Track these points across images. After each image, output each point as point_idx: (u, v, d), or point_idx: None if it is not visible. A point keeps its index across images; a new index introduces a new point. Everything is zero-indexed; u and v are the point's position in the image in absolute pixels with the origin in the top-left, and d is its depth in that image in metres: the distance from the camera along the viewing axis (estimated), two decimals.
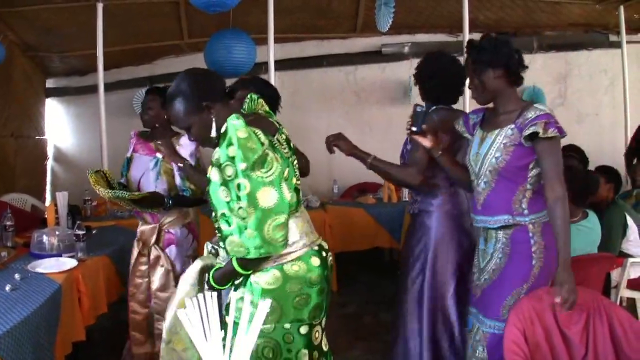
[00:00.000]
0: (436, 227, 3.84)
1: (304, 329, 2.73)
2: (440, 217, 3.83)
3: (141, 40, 8.86)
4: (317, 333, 2.82)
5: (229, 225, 2.52)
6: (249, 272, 2.64)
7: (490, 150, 3.18)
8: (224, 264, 2.75)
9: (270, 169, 2.47)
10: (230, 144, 2.46)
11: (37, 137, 9.33)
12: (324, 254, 2.83)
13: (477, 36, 8.89)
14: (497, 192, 3.22)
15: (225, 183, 2.48)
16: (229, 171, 2.45)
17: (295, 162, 2.81)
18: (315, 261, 2.75)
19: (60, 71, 9.53)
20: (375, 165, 3.76)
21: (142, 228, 4.20)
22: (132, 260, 4.23)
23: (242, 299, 2.60)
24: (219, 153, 2.51)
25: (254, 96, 2.96)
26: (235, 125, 2.46)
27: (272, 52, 7.17)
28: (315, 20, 8.85)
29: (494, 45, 3.19)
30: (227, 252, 2.63)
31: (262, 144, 2.49)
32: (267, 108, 2.94)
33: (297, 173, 2.81)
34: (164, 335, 2.85)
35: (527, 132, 2.99)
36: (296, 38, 9.26)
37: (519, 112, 3.11)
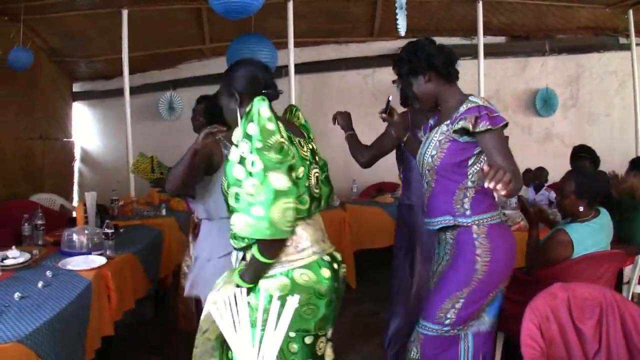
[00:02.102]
0: (414, 220, 3.98)
1: (308, 339, 2.67)
2: (419, 210, 3.90)
3: (164, 45, 9.00)
4: (321, 344, 2.75)
5: (238, 203, 2.50)
6: (272, 261, 2.57)
7: (427, 149, 3.17)
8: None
9: (286, 157, 2.46)
10: (250, 120, 2.48)
11: (64, 139, 9.53)
12: (335, 265, 2.74)
13: (491, 39, 8.99)
14: (437, 192, 3.18)
15: (241, 161, 2.47)
16: (244, 147, 2.46)
17: (316, 171, 2.78)
18: (325, 272, 2.66)
19: (86, 75, 9.69)
20: (347, 140, 4.07)
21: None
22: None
23: (248, 303, 2.41)
24: (237, 132, 2.54)
25: (294, 107, 3.01)
26: (259, 104, 2.49)
27: (292, 56, 7.31)
28: (332, 25, 8.93)
29: (412, 52, 3.14)
30: (233, 236, 2.63)
31: (281, 132, 2.50)
32: (303, 121, 2.97)
33: (315, 183, 2.75)
34: (200, 323, 2.83)
35: (456, 127, 2.97)
36: (314, 42, 9.34)
37: (457, 107, 3.06)
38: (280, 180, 2.42)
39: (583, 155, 6.11)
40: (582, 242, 4.03)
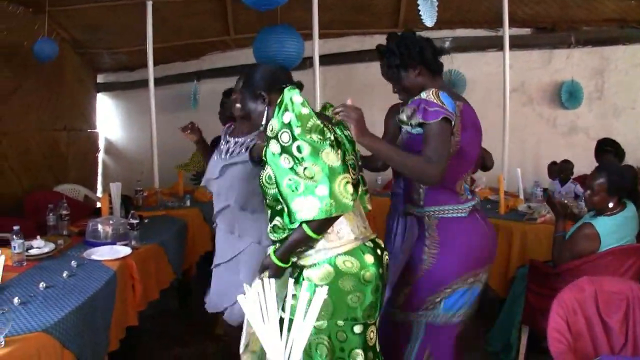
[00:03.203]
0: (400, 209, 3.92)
1: (358, 328, 2.67)
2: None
3: (188, 36, 8.98)
4: (371, 333, 2.75)
5: (296, 190, 2.50)
6: (321, 237, 2.60)
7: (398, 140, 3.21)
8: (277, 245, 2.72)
9: (326, 137, 2.51)
10: (285, 110, 2.51)
11: (88, 130, 9.59)
12: (379, 251, 2.74)
13: (516, 31, 8.93)
14: (404, 181, 3.28)
15: (284, 150, 2.50)
16: (285, 137, 2.49)
17: (352, 158, 2.79)
18: (369, 258, 2.66)
19: (109, 67, 9.73)
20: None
21: None
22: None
23: (295, 296, 2.53)
24: (273, 123, 2.55)
25: (328, 104, 3.00)
26: (291, 92, 2.53)
27: (317, 47, 7.27)
28: (357, 16, 8.86)
29: (404, 46, 3.12)
30: (289, 222, 2.59)
31: (317, 116, 2.53)
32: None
33: (353, 169, 2.76)
34: (242, 339, 2.80)
35: (398, 118, 3.01)
36: (338, 34, 9.25)
37: None
38: (331, 157, 2.47)
39: (607, 149, 6.09)
40: (608, 235, 4.02)
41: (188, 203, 6.21)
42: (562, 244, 4.19)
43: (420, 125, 2.88)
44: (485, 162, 4.31)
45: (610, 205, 4.04)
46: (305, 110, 2.50)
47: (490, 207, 5.95)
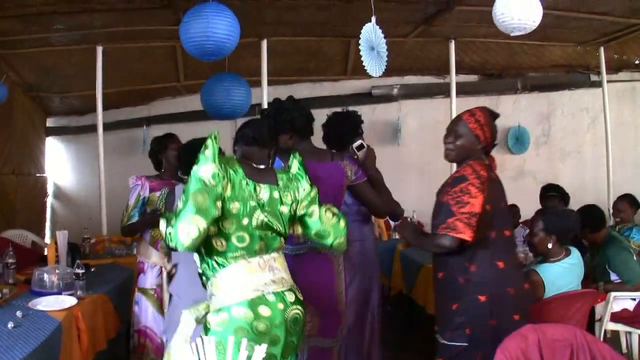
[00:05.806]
0: None
1: None
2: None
3: (139, 82, 9.01)
4: None
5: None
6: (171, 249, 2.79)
7: None
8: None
9: (217, 183, 2.62)
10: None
11: (37, 175, 9.46)
12: (280, 305, 2.74)
13: (464, 78, 9.07)
14: None
15: None
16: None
17: (263, 217, 2.81)
18: (264, 311, 2.68)
19: (60, 111, 9.68)
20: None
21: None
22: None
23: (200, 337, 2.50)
24: None
25: (294, 154, 3.12)
26: (210, 136, 2.69)
27: (265, 94, 7.35)
28: (306, 64, 9.00)
29: (279, 115, 3.63)
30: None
31: (217, 164, 2.66)
32: (295, 170, 3.07)
33: (259, 226, 2.80)
34: None
35: None
36: (288, 81, 9.33)
37: None
38: (199, 199, 2.56)
39: (552, 194, 6.19)
40: (553, 282, 4.07)
41: (135, 251, 6.14)
42: None
43: None
44: (394, 211, 4.53)
45: (550, 245, 4.11)
46: (208, 153, 2.65)
47: None
